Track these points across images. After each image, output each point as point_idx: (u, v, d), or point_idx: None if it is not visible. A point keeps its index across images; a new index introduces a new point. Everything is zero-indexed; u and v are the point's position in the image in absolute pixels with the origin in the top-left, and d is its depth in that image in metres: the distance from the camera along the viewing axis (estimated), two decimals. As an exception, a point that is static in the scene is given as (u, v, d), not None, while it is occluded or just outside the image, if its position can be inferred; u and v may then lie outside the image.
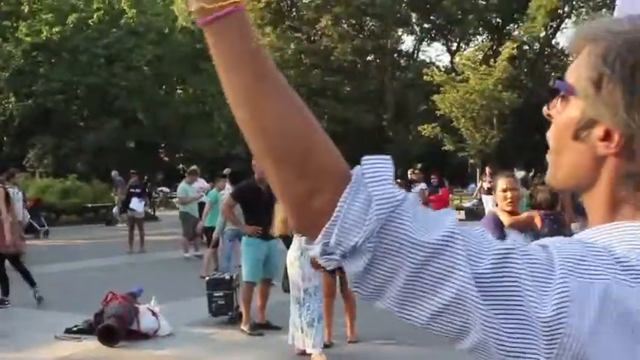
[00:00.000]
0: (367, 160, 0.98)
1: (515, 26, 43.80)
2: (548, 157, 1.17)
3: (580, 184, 1.13)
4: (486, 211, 17.67)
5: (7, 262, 11.54)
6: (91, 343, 8.62)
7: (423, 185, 14.33)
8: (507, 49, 33.66)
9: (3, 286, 11.33)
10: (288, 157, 0.99)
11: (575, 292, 0.92)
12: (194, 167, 17.54)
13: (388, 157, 0.99)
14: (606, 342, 0.92)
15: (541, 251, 0.96)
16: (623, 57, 1.04)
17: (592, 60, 1.07)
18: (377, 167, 0.97)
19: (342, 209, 0.94)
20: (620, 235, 1.04)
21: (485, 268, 0.92)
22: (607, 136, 1.05)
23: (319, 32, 46.01)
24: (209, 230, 13.31)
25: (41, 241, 20.28)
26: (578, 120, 1.08)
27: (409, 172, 15.19)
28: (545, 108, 1.15)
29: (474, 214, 22.71)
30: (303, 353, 7.69)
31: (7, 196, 12.22)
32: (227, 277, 10.01)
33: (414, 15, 48.02)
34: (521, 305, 0.92)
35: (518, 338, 0.92)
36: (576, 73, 1.10)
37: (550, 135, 1.16)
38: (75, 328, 9.14)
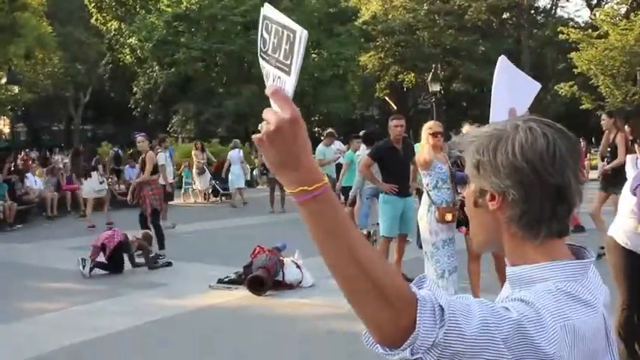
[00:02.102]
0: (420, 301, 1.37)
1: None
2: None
3: (492, 241, 1.67)
4: (627, 171, 17.20)
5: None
6: (241, 293, 9.07)
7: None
8: (651, 0, 32.05)
9: (160, 241, 12.15)
10: (378, 295, 1.35)
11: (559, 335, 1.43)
12: (331, 130, 17.70)
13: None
14: None
15: (531, 309, 1.43)
16: (486, 147, 1.57)
17: (471, 154, 1.60)
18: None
19: (419, 327, 1.34)
20: (549, 271, 1.57)
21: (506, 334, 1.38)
22: (492, 198, 1.58)
23: (453, -9, 45.21)
24: (346, 189, 13.54)
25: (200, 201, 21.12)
26: (473, 193, 1.63)
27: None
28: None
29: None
30: None
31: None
32: (365, 232, 10.28)
33: (551, -32, 46.43)
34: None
35: None
36: (467, 165, 1.64)
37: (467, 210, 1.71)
38: (226, 279, 9.61)
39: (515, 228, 1.58)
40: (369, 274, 1.36)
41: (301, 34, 1.37)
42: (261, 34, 1.47)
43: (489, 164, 1.56)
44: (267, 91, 1.38)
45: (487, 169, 1.57)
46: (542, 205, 1.54)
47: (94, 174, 17.97)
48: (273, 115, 1.35)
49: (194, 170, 22.28)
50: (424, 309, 1.35)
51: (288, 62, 1.40)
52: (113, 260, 10.90)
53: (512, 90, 1.62)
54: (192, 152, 22.49)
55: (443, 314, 1.36)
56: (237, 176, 20.81)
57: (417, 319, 1.34)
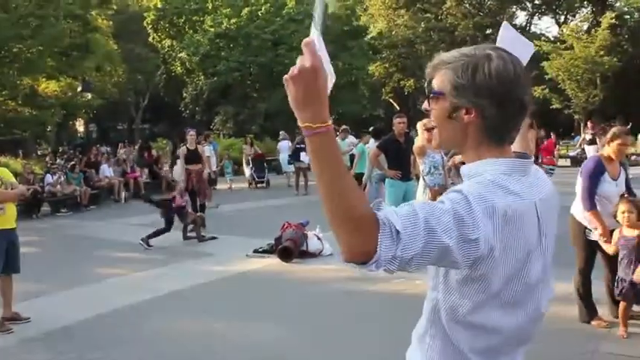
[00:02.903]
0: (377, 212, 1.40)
1: (617, -2, 41.09)
2: (434, 131, 1.73)
3: (456, 144, 1.70)
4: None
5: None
6: (273, 260, 9.15)
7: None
8: (606, 19, 31.78)
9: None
10: (350, 219, 1.38)
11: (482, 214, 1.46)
12: (345, 126, 17.78)
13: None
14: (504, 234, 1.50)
15: (460, 195, 1.48)
16: (464, 71, 1.58)
17: (449, 76, 1.61)
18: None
19: (380, 250, 1.37)
20: (490, 166, 1.60)
21: (445, 225, 1.42)
22: (467, 112, 1.60)
23: (445, 12, 44.81)
24: (358, 176, 13.60)
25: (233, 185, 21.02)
26: (448, 108, 1.64)
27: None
28: (424, 104, 1.73)
29: (577, 161, 22.06)
30: None
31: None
32: (374, 211, 10.40)
33: (526, -7, 46.02)
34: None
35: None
36: (441, 84, 1.64)
37: (433, 119, 1.71)
38: (260, 249, 9.68)
39: (481, 137, 1.62)
40: (346, 201, 1.38)
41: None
42: (316, 8, 1.56)
43: (469, 85, 1.59)
44: (303, 42, 1.40)
45: (466, 89, 1.59)
46: (510, 118, 1.61)
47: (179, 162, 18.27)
48: (300, 61, 1.39)
49: (243, 161, 22.39)
50: (384, 233, 1.38)
51: (317, 19, 1.51)
52: (168, 218, 11.06)
53: (513, 50, 1.63)
54: (243, 146, 22.50)
55: (399, 234, 1.38)
56: (286, 162, 20.88)
57: (379, 242, 1.37)
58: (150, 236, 10.81)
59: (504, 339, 1.65)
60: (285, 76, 1.41)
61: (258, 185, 21.07)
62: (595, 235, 5.72)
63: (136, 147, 23.41)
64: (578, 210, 5.82)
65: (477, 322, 1.60)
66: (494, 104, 1.57)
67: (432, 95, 1.67)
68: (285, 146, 21.47)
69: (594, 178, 5.65)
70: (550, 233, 1.68)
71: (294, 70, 1.39)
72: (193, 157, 13.19)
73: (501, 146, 1.64)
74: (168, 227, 11.06)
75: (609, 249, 5.60)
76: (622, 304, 5.49)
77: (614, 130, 5.90)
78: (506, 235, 1.50)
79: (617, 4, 39.88)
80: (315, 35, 1.45)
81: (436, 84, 1.66)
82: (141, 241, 10.75)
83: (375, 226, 1.38)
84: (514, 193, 1.54)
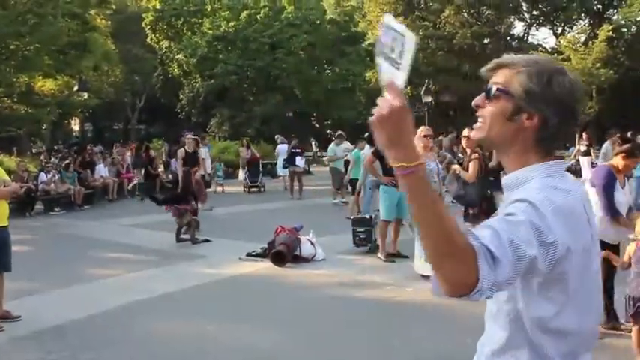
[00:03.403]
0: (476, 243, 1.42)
1: (615, 11, 41.22)
2: (479, 124, 1.73)
3: (502, 145, 1.72)
4: (583, 170, 17.11)
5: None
6: (266, 264, 9.12)
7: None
8: (603, 31, 31.93)
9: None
10: (453, 253, 1.40)
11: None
12: (341, 132, 17.69)
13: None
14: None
15: (528, 205, 1.53)
16: (541, 79, 1.62)
17: (522, 79, 1.64)
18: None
19: (482, 280, 1.39)
20: (536, 171, 1.65)
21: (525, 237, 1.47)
22: (529, 118, 1.63)
23: (443, 20, 44.90)
24: (353, 181, 13.53)
25: (227, 188, 20.80)
26: (511, 109, 1.66)
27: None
28: (477, 100, 1.73)
29: (572, 172, 22.16)
30: (424, 276, 7.84)
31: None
32: (367, 217, 10.28)
33: (524, 4, 45.91)
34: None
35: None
36: (508, 85, 1.66)
37: (485, 114, 1.70)
38: (253, 253, 9.66)
39: (533, 143, 1.67)
40: (448, 235, 1.40)
41: (411, 38, 1.44)
42: (381, 38, 1.50)
43: (540, 92, 1.63)
44: (383, 83, 1.44)
45: (537, 95, 1.63)
46: (565, 130, 1.67)
47: (173, 161, 19.00)
48: (386, 102, 1.41)
49: (240, 164, 22.30)
50: (482, 261, 1.40)
51: (400, 60, 1.44)
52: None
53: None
54: (239, 149, 22.32)
55: (494, 260, 1.41)
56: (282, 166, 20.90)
57: (480, 272, 1.39)
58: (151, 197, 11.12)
59: (582, 340, 1.69)
60: (372, 119, 1.42)
61: (252, 190, 20.80)
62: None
63: (131, 148, 23.33)
64: None
65: (561, 326, 1.63)
66: (558, 115, 1.63)
67: (495, 92, 1.68)
68: (283, 150, 21.42)
69: (610, 189, 5.67)
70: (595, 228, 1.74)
71: (381, 112, 1.41)
72: (192, 159, 13.23)
73: (548, 154, 1.69)
74: (159, 202, 11.61)
75: (618, 260, 5.42)
76: (636, 329, 5.12)
77: (633, 146, 5.93)
78: (572, 231, 1.56)
79: (615, 17, 40.05)
80: (398, 76, 1.45)
81: (499, 83, 1.69)
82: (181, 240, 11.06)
83: (474, 255, 1.40)
84: (566, 190, 1.61)
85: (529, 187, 1.61)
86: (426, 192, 1.42)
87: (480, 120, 1.72)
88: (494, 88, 1.68)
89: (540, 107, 1.62)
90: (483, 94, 1.71)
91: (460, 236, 1.41)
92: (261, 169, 21.54)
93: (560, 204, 1.54)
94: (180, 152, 14.82)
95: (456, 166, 8.13)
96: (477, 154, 7.82)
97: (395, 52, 1.46)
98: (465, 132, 8.03)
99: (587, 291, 1.67)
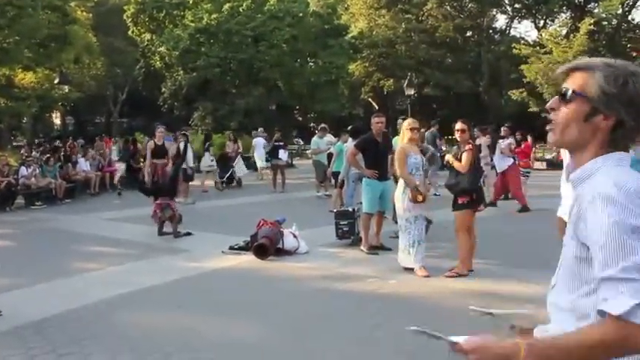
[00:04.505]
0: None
1: (596, 4, 41.50)
2: (553, 126, 1.79)
3: (577, 145, 1.76)
4: (564, 162, 17.29)
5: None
6: (248, 257, 9.11)
7: (511, 140, 14.21)
8: (585, 24, 32.13)
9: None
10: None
11: None
12: (324, 125, 17.71)
13: None
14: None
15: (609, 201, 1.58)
16: (617, 81, 1.65)
17: (599, 81, 1.68)
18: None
19: None
20: (600, 163, 1.70)
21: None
22: (605, 118, 1.67)
23: (426, 13, 45.02)
24: (336, 174, 13.48)
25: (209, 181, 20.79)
26: (587, 111, 1.70)
27: (502, 129, 15.02)
28: (552, 102, 1.79)
29: (553, 164, 22.48)
30: (407, 268, 7.96)
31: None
32: (350, 209, 10.25)
33: (506, -3, 46.40)
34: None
35: None
36: (585, 87, 1.71)
37: (560, 116, 1.76)
38: (236, 246, 9.61)
39: (607, 142, 1.71)
40: (597, 340, 1.50)
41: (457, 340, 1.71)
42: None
43: (617, 94, 1.67)
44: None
45: (614, 97, 1.67)
46: (637, 130, 1.70)
47: (206, 154, 19.45)
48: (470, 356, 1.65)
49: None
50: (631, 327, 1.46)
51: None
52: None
53: None
54: (226, 143, 22.12)
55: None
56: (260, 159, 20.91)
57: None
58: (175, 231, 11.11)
59: None
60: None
61: (223, 185, 19.74)
62: None
63: (114, 141, 23.17)
64: (567, 212, 5.87)
65: None
66: (632, 115, 1.67)
67: (571, 95, 1.74)
68: (260, 143, 21.29)
69: None
70: None
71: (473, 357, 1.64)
72: (160, 152, 13.26)
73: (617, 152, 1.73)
74: (147, 193, 11.65)
75: None
76: None
77: None
78: None
79: (596, 11, 40.33)
80: (453, 338, 1.73)
81: (574, 86, 1.74)
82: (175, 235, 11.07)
83: (627, 326, 1.46)
84: (632, 174, 1.65)
85: (596, 181, 1.66)
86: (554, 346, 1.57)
87: (552, 123, 1.79)
88: (570, 91, 1.74)
89: (616, 108, 1.67)
90: (557, 97, 1.78)
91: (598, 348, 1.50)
92: (240, 163, 20.70)
93: (632, 185, 1.59)
94: (150, 145, 14.77)
95: (449, 156, 8.20)
96: (470, 146, 7.91)
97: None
98: (458, 125, 8.10)
99: None
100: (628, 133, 1.70)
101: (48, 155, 18.33)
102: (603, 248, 1.53)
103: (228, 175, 19.91)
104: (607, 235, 1.53)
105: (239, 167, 20.15)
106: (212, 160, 19.46)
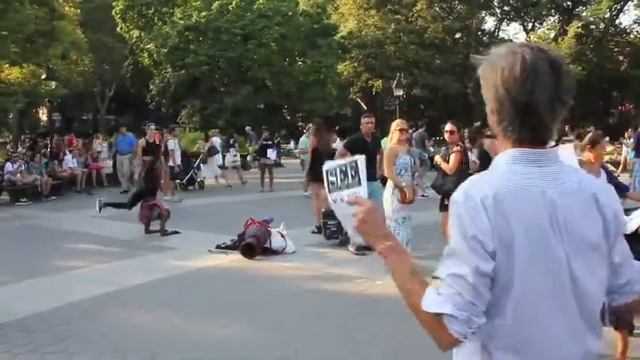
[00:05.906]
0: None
1: (584, 8, 41.77)
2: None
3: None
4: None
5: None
6: (235, 256, 9.10)
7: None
8: (573, 27, 32.34)
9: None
10: (423, 320, 1.59)
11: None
12: (312, 124, 17.74)
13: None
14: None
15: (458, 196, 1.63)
16: (484, 68, 1.71)
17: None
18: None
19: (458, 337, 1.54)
20: (506, 157, 1.68)
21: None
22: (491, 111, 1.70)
23: (415, 14, 45.11)
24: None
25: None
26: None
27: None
28: None
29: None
30: None
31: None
32: (338, 210, 10.38)
33: (495, -1, 46.63)
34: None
35: None
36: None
37: None
38: (223, 245, 9.62)
39: (498, 130, 1.70)
40: (416, 309, 1.60)
41: (360, 158, 1.81)
42: (328, 179, 1.85)
43: (484, 82, 1.71)
44: (350, 201, 1.79)
45: (484, 85, 1.71)
46: (511, 116, 1.64)
47: (231, 149, 20.26)
48: (360, 210, 1.76)
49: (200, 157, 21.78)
50: (451, 325, 1.53)
51: (357, 180, 1.80)
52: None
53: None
54: (198, 141, 21.68)
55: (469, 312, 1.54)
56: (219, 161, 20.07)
57: (450, 331, 1.54)
58: (109, 204, 11.62)
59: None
60: (356, 225, 1.75)
61: (182, 186, 18.36)
62: None
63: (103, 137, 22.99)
64: None
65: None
66: (496, 102, 1.69)
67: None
68: (217, 142, 20.16)
69: None
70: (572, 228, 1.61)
71: (361, 216, 1.74)
72: (152, 150, 13.27)
73: (523, 143, 1.67)
74: (129, 207, 11.48)
75: None
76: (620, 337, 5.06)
77: (593, 136, 6.05)
78: (516, 223, 1.56)
79: (584, 14, 40.59)
80: (360, 191, 1.79)
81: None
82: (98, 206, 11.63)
83: (438, 321, 1.55)
84: (526, 178, 1.60)
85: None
86: (396, 269, 1.69)
87: None
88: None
89: (485, 96, 1.71)
90: None
91: (422, 309, 1.57)
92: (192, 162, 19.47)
93: (501, 192, 1.55)
94: (141, 142, 14.67)
95: (437, 157, 8.21)
96: (459, 147, 7.94)
97: (349, 178, 1.80)
98: (448, 126, 8.11)
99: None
100: (501, 120, 1.71)
101: (34, 151, 18.19)
102: None
103: (188, 176, 18.81)
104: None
105: (206, 168, 19.44)
106: (235, 156, 20.18)
